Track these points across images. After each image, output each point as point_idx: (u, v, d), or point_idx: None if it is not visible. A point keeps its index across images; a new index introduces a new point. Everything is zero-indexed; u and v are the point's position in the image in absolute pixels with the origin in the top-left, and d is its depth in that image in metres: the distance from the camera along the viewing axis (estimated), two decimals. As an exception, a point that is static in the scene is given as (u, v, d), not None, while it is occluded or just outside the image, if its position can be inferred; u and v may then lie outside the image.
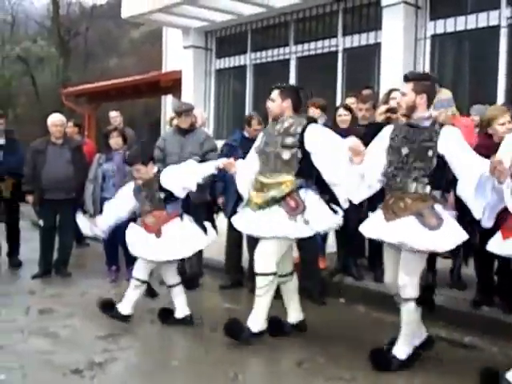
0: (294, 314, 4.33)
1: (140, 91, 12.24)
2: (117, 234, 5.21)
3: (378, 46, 7.55)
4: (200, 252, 5.72)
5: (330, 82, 8.30)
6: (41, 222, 6.26)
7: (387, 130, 3.80)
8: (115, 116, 8.15)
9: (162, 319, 4.60)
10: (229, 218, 5.14)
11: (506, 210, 3.37)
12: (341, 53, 8.22)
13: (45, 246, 6.23)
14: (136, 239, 4.46)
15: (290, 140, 4.03)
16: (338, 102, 7.87)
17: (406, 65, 7.00)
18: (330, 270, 5.66)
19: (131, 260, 5.02)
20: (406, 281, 3.56)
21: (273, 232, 3.93)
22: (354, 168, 3.77)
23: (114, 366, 3.69)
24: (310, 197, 4.00)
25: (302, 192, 4.00)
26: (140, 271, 4.49)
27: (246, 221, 4.12)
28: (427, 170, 3.53)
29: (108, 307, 4.52)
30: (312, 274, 5.34)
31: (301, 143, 4.00)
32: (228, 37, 9.98)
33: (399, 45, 7.09)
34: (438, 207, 3.52)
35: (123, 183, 4.99)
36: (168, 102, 13.01)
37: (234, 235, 5.54)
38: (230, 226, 5.26)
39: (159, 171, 4.50)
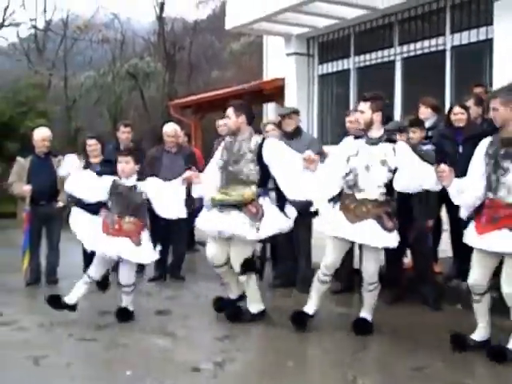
0: None
1: (244, 100, 12.44)
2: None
3: (489, 42, 7.24)
4: (309, 255, 5.78)
5: (438, 82, 8.05)
6: None
7: (348, 143, 4.36)
8: (223, 124, 8.35)
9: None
10: None
11: (481, 205, 3.81)
12: (449, 51, 7.97)
13: (161, 251, 6.47)
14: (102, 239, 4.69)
15: (249, 156, 4.48)
16: (447, 102, 7.63)
17: (522, 59, 6.66)
18: (445, 274, 5.48)
19: None
20: None
21: (234, 231, 4.43)
22: (310, 174, 4.28)
23: (232, 365, 3.78)
24: (266, 204, 4.50)
25: (260, 199, 4.50)
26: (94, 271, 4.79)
27: (210, 220, 4.57)
28: (384, 180, 4.11)
29: (55, 301, 4.79)
30: (426, 279, 5.21)
31: (259, 157, 4.46)
32: (330, 42, 9.96)
33: (514, 39, 6.76)
34: (392, 211, 4.18)
35: None
36: (270, 110, 13.17)
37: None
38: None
39: (139, 172, 4.83)
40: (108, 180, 4.83)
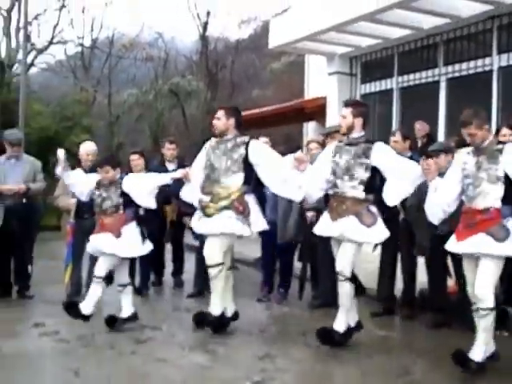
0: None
1: (285, 118, 12.50)
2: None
3: (538, 62, 7.10)
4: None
5: (484, 103, 7.89)
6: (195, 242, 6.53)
7: (330, 147, 4.64)
8: (264, 142, 8.36)
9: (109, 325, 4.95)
10: None
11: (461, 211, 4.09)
12: (496, 71, 7.83)
13: (201, 267, 6.50)
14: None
15: (236, 155, 4.67)
16: (494, 123, 7.47)
17: None
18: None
19: None
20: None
21: (223, 229, 4.67)
22: (298, 174, 4.56)
23: (272, 385, 3.73)
24: (251, 201, 4.77)
25: (246, 197, 4.73)
26: (100, 268, 4.88)
27: (203, 224, 4.81)
28: (363, 178, 4.35)
29: (72, 308, 4.90)
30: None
31: (245, 157, 4.68)
32: (373, 61, 9.92)
33: None
34: (373, 208, 4.37)
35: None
36: (310, 129, 13.17)
37: (387, 261, 5.45)
38: (382, 251, 5.23)
39: (121, 177, 4.98)
40: (94, 178, 5.05)
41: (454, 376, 3.90)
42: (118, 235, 4.86)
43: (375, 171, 4.39)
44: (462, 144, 5.22)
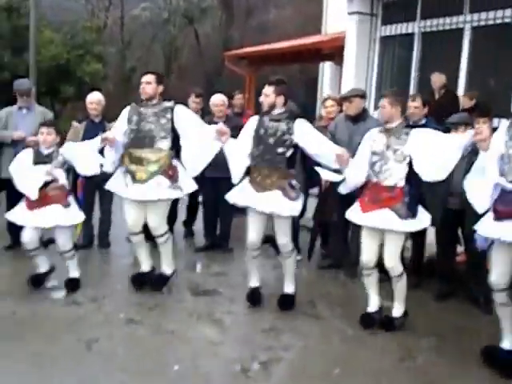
0: None
1: (300, 57, 12.14)
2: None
3: None
4: None
5: (509, 56, 7.59)
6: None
7: (252, 122, 4.75)
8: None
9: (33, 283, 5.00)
10: None
11: (365, 185, 4.42)
12: (524, 24, 7.44)
13: (207, 219, 6.60)
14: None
15: (163, 120, 4.84)
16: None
17: None
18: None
19: None
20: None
21: (160, 196, 4.80)
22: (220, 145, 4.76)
23: (278, 367, 3.80)
24: (178, 165, 4.90)
25: (174, 162, 4.88)
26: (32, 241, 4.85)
27: (136, 191, 4.83)
28: (287, 154, 4.53)
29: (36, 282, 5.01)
30: (478, 278, 5.06)
31: (171, 122, 4.84)
32: (396, 2, 9.44)
33: None
34: (295, 182, 4.58)
35: None
36: (326, 66, 12.83)
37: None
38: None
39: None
40: (28, 152, 4.97)
41: (457, 363, 3.96)
42: (68, 205, 4.88)
43: (296, 146, 4.61)
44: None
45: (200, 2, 23.43)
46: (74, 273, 5.10)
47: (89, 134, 6.15)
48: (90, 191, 6.36)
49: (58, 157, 4.93)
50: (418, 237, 5.42)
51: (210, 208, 6.56)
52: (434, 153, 4.15)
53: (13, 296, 4.81)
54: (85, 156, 4.97)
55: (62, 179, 4.91)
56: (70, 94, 16.38)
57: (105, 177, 5.83)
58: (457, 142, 4.15)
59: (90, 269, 5.91)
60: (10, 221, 5.21)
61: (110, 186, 5.08)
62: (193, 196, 7.05)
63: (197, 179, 5.21)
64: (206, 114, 7.01)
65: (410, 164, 4.21)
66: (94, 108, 6.33)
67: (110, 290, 5.11)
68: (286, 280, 4.87)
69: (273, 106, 4.67)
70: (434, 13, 8.73)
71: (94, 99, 6.37)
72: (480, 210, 3.89)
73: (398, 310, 4.45)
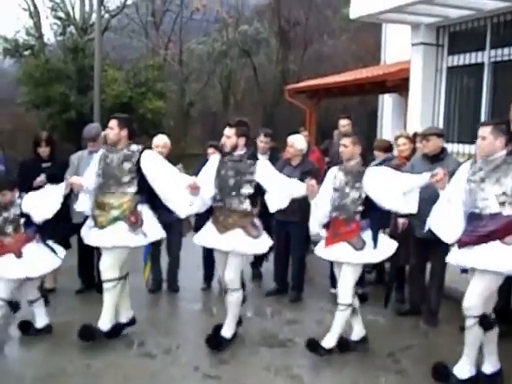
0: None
1: (362, 89, 11.97)
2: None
3: None
4: (441, 286, 5.43)
5: None
6: None
7: (213, 163, 4.85)
8: (346, 124, 8.01)
9: (22, 331, 5.01)
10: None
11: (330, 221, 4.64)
12: None
13: (279, 263, 6.43)
14: None
15: (128, 165, 4.74)
16: None
17: None
18: None
19: None
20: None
21: (115, 242, 4.67)
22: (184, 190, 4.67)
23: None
24: (145, 211, 4.80)
25: (139, 207, 4.75)
26: (2, 291, 4.71)
27: (94, 236, 4.79)
28: (249, 193, 4.65)
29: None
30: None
31: (137, 167, 4.72)
32: (463, 32, 9.17)
33: None
34: (257, 220, 4.72)
35: None
36: (386, 101, 12.59)
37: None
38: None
39: (20, 196, 4.85)
40: None
41: None
42: (19, 255, 4.73)
43: (258, 186, 4.71)
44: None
45: (256, 34, 23.66)
46: (43, 321, 5.04)
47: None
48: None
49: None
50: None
51: (281, 251, 6.38)
52: (391, 186, 4.43)
53: (86, 346, 4.74)
54: (44, 202, 4.88)
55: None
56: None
57: (171, 220, 5.81)
58: (414, 181, 4.42)
59: (160, 315, 5.87)
60: (81, 264, 5.15)
61: (82, 230, 5.06)
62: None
63: (267, 222, 5.05)
64: (274, 153, 6.93)
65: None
66: (159, 151, 6.31)
67: (183, 339, 5.01)
68: (227, 320, 4.82)
69: (235, 147, 4.74)
70: (505, 41, 8.43)
71: (160, 142, 6.38)
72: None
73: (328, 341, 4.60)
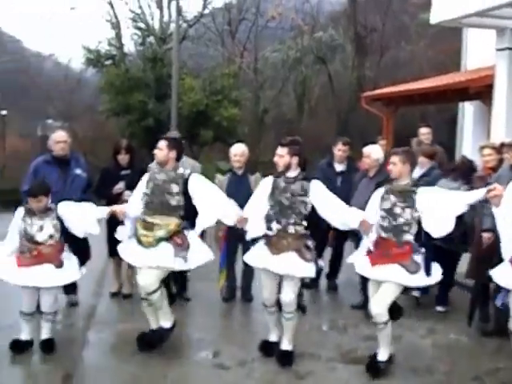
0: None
1: (442, 96, 11.56)
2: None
3: None
4: None
5: None
6: None
7: (267, 182, 4.75)
8: (426, 132, 7.71)
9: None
10: None
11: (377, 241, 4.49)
12: None
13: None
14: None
15: (175, 188, 4.69)
16: None
17: None
18: None
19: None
20: None
21: (160, 263, 4.62)
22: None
23: None
24: (191, 236, 4.72)
25: (185, 232, 4.71)
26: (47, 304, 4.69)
27: (138, 255, 4.72)
28: (303, 215, 4.56)
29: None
30: None
31: (185, 190, 4.69)
32: (555, 36, 8.70)
33: None
34: (311, 242, 4.59)
35: None
36: (467, 105, 12.10)
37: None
38: None
39: (53, 203, 4.76)
40: (20, 211, 4.75)
41: None
42: (60, 265, 4.66)
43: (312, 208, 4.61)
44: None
45: (331, 40, 23.46)
46: (47, 335, 4.82)
47: (231, 188, 6.14)
48: (233, 243, 6.29)
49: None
50: None
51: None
52: (440, 209, 4.29)
53: (162, 354, 4.77)
54: (80, 219, 4.82)
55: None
56: (207, 139, 17.00)
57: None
58: (468, 198, 4.29)
59: (234, 325, 5.84)
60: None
61: (119, 248, 4.96)
62: (337, 248, 6.82)
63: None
64: (351, 162, 6.79)
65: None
66: (237, 160, 6.31)
67: (258, 352, 4.93)
68: (284, 339, 4.72)
69: (288, 167, 4.66)
70: None
71: (239, 151, 6.35)
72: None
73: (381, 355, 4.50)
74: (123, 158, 6.30)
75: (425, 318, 5.79)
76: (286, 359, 4.64)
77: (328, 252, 6.80)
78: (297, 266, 4.51)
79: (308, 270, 4.56)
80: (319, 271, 4.91)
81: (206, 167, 6.56)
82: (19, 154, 22.39)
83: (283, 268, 4.52)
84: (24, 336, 4.79)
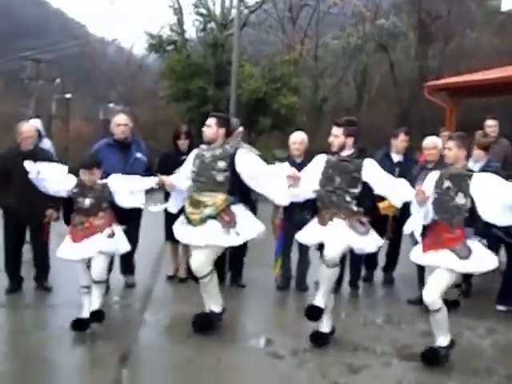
0: None
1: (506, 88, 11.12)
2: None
3: None
4: None
5: None
6: None
7: (320, 160, 4.78)
8: (493, 125, 7.41)
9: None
10: None
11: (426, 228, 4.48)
12: None
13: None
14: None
15: (222, 164, 4.72)
16: None
17: None
18: None
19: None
20: None
21: (208, 241, 4.67)
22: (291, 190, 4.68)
23: None
24: (239, 211, 4.78)
25: (232, 207, 4.74)
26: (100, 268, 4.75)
27: (187, 233, 4.82)
28: (356, 193, 4.61)
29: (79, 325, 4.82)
30: None
31: (232, 167, 4.72)
32: None
33: None
34: (364, 219, 4.63)
35: None
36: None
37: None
38: None
39: (102, 177, 4.89)
40: (73, 179, 4.88)
41: None
42: (112, 235, 4.81)
43: (366, 186, 4.64)
44: None
45: (393, 27, 22.92)
46: (97, 306, 4.80)
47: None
48: (290, 232, 6.25)
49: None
50: None
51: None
52: (495, 197, 4.22)
53: (216, 339, 4.80)
54: (129, 191, 4.96)
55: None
56: (265, 126, 16.95)
57: (303, 219, 5.72)
58: None
59: (288, 315, 5.83)
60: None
61: (174, 228, 5.04)
62: (394, 240, 6.67)
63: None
64: (410, 153, 6.62)
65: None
66: (296, 148, 6.28)
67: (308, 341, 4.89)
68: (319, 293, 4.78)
69: (342, 147, 4.66)
70: None
71: (298, 139, 6.31)
72: None
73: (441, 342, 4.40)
74: (183, 143, 6.37)
75: (484, 318, 5.60)
76: (317, 312, 4.69)
77: (385, 245, 6.67)
78: (346, 234, 4.55)
79: (362, 243, 4.59)
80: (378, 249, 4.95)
81: (264, 155, 6.50)
82: (82, 138, 22.99)
83: (331, 234, 4.56)
84: (85, 313, 4.89)
